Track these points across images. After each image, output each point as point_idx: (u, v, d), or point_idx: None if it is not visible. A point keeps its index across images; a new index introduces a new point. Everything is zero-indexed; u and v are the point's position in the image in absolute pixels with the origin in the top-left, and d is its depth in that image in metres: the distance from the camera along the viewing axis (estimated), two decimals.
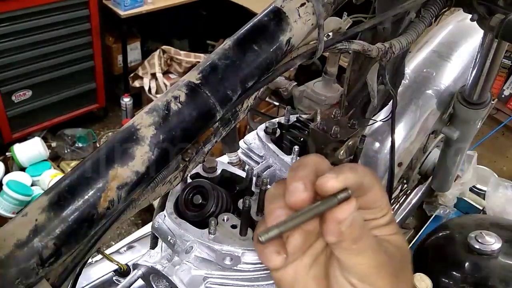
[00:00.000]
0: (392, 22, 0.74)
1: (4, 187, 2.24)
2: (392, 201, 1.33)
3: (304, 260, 0.36)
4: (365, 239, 0.33)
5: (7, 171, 2.50)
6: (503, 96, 2.90)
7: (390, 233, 0.37)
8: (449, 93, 1.14)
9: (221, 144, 0.72)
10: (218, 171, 0.67)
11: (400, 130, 1.05)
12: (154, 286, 0.64)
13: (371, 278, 0.33)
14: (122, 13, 2.78)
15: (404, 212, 1.56)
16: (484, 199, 1.75)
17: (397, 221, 1.69)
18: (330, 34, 0.60)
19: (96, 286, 0.82)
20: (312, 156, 0.35)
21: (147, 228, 1.07)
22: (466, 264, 1.06)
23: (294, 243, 0.33)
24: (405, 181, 1.32)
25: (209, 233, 0.58)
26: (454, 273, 1.09)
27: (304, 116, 0.85)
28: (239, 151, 0.79)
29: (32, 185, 2.43)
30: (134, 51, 3.20)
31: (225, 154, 0.78)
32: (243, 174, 0.67)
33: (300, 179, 0.32)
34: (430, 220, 1.68)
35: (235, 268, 0.57)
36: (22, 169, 2.51)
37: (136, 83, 3.16)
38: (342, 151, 0.75)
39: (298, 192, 0.31)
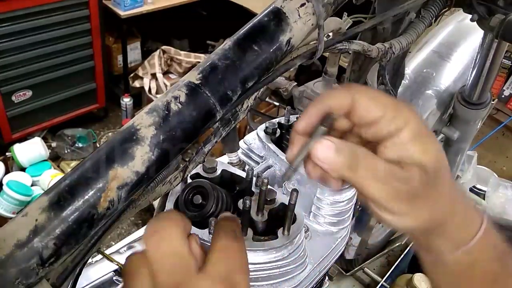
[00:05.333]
0: (392, 22, 0.74)
1: (4, 187, 2.24)
2: None
3: None
4: (362, 169, 0.34)
5: (7, 171, 2.49)
6: (503, 96, 2.90)
7: (415, 150, 0.35)
8: (449, 93, 1.14)
9: (221, 144, 0.72)
10: (218, 171, 0.67)
11: None
12: None
13: (383, 205, 0.35)
14: (122, 13, 2.78)
15: None
16: (484, 199, 1.75)
17: None
18: (330, 34, 0.60)
19: (96, 286, 0.82)
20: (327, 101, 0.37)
21: None
22: None
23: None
24: None
25: (209, 233, 0.58)
26: None
27: None
28: (239, 151, 0.79)
29: (32, 185, 2.42)
30: (134, 51, 3.20)
31: (225, 154, 0.78)
32: (243, 174, 0.67)
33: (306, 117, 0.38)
34: None
35: None
36: (22, 169, 2.51)
37: (136, 83, 3.16)
38: None
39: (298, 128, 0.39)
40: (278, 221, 0.61)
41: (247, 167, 0.79)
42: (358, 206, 1.27)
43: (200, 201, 0.61)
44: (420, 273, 1.28)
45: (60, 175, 2.41)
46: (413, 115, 0.36)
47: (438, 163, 0.36)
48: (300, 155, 0.37)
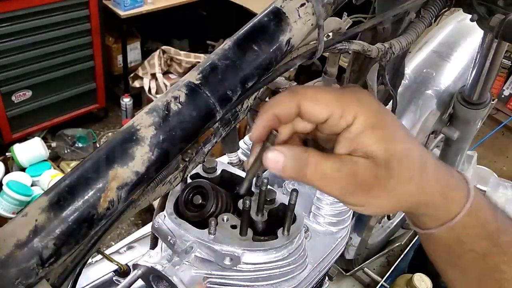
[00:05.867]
0: (392, 22, 0.74)
1: (4, 187, 2.24)
2: None
3: None
4: (311, 172, 0.36)
5: (7, 171, 2.49)
6: (503, 96, 2.90)
7: (365, 142, 0.36)
8: (449, 93, 1.14)
9: (221, 144, 0.72)
10: (218, 172, 0.67)
11: None
12: (154, 286, 0.64)
13: (340, 199, 0.38)
14: (122, 13, 2.78)
15: None
16: None
17: (397, 221, 1.69)
18: (330, 34, 0.60)
19: (96, 286, 0.82)
20: (272, 109, 0.38)
21: (147, 228, 1.07)
22: None
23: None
24: None
25: (209, 233, 0.58)
26: None
27: None
28: (239, 151, 0.79)
29: (32, 185, 2.42)
30: (134, 51, 3.20)
31: (225, 154, 0.78)
32: (243, 174, 0.67)
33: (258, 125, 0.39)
34: None
35: (235, 268, 0.57)
36: (22, 169, 2.51)
37: (136, 83, 3.16)
38: None
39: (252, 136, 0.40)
40: (278, 221, 0.61)
41: None
42: None
43: (200, 201, 0.61)
44: (420, 273, 1.28)
45: (60, 175, 2.41)
46: (363, 108, 0.37)
47: (390, 151, 0.36)
48: (254, 166, 0.41)
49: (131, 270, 0.65)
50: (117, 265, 0.71)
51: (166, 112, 0.39)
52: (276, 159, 0.37)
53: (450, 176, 0.41)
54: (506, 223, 0.42)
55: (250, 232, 0.59)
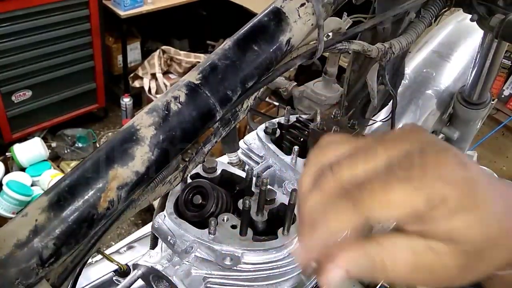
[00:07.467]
0: (392, 22, 0.74)
1: (4, 187, 2.24)
2: None
3: None
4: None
5: (7, 171, 2.49)
6: (503, 96, 2.90)
7: (459, 226, 0.28)
8: (449, 93, 1.14)
9: (221, 144, 0.72)
10: (218, 171, 0.67)
11: None
12: (154, 286, 0.64)
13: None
14: (122, 13, 2.78)
15: None
16: None
17: None
18: (330, 34, 0.60)
19: (96, 286, 0.82)
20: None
21: (147, 228, 1.07)
22: None
23: None
24: None
25: (209, 233, 0.58)
26: None
27: (304, 116, 0.85)
28: (239, 151, 0.79)
29: (32, 185, 2.42)
30: (134, 51, 3.20)
31: (225, 154, 0.78)
32: (243, 174, 0.67)
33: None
34: None
35: (235, 268, 0.57)
36: (22, 169, 2.51)
37: (136, 83, 3.16)
38: None
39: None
40: (278, 221, 0.61)
41: (247, 167, 0.79)
42: None
43: (200, 201, 0.61)
44: None
45: (60, 175, 2.41)
46: (452, 187, 0.29)
47: (485, 234, 0.29)
48: None
49: (131, 270, 0.65)
50: (117, 265, 0.71)
51: (166, 112, 0.40)
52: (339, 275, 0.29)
53: None
54: None
55: (250, 232, 0.59)
